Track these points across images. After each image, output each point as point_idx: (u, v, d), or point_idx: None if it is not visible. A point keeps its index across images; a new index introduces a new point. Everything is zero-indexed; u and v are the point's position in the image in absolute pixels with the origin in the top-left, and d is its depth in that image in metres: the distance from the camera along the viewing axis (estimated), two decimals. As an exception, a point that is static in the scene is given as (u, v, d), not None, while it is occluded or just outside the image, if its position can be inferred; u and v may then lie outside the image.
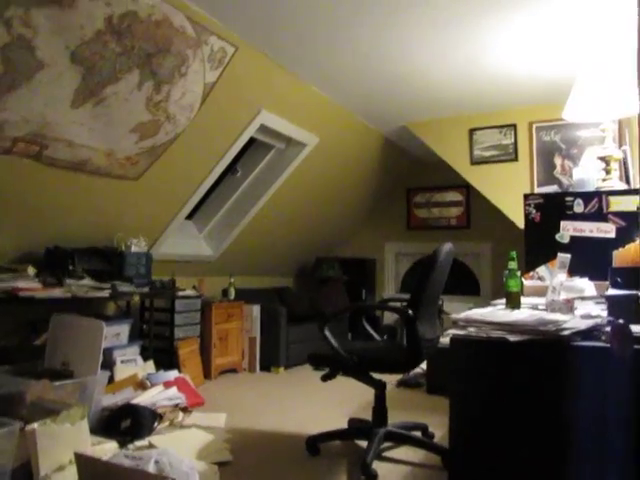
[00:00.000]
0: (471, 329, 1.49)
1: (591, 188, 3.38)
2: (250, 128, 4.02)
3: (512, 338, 1.38)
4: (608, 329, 1.34)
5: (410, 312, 2.36)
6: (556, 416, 1.41)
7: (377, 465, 2.52)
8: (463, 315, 1.58)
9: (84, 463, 1.76)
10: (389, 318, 6.02)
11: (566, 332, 1.36)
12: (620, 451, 1.36)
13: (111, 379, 3.32)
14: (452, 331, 1.51)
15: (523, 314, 1.65)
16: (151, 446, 2.57)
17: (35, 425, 2.28)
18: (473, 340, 1.46)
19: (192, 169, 3.97)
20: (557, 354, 1.38)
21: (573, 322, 1.48)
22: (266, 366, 4.87)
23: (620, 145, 3.76)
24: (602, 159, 3.36)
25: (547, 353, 1.39)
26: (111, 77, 2.92)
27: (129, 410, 2.91)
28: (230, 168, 4.70)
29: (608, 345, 1.32)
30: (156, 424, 2.95)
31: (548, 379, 1.40)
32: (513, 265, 2.29)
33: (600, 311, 1.90)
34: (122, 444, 2.65)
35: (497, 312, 1.74)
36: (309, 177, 5.11)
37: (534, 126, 4.59)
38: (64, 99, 2.85)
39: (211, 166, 4.08)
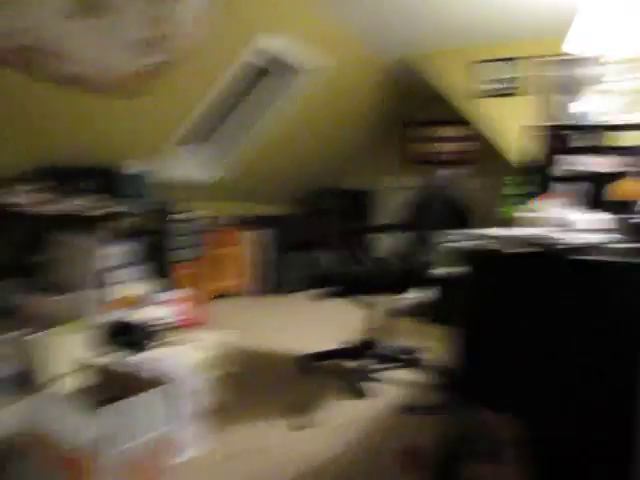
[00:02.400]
0: (466, 242, 1.51)
1: (589, 122, 3.37)
2: (245, 52, 3.92)
3: (507, 250, 1.41)
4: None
5: (407, 232, 2.39)
6: (547, 332, 1.45)
7: (368, 385, 2.61)
8: (459, 231, 1.60)
9: (83, 369, 1.81)
10: (379, 251, 6.07)
11: (562, 246, 1.39)
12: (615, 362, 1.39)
13: (111, 298, 3.36)
14: (449, 244, 1.53)
15: (521, 232, 1.68)
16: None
17: (34, 335, 2.34)
18: (470, 251, 1.49)
19: (191, 90, 3.89)
20: (550, 267, 1.41)
21: (570, 238, 1.50)
22: (264, 291, 4.98)
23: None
24: (602, 93, 3.33)
25: (542, 265, 1.42)
26: (105, -13, 2.81)
27: (125, 326, 2.96)
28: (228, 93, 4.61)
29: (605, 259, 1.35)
30: (151, 341, 3.01)
31: (542, 293, 1.44)
32: (507, 191, 2.31)
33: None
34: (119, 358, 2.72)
35: (494, 229, 1.76)
36: (307, 103, 5.01)
37: (536, 60, 4.50)
38: (58, 9, 2.74)
39: (206, 87, 4.00)
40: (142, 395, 1.60)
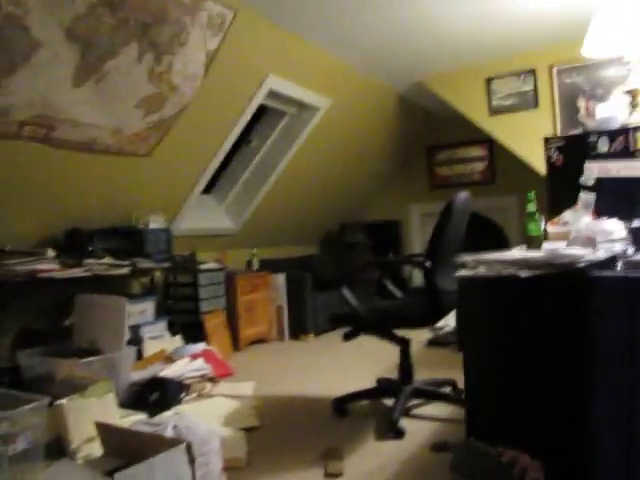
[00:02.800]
0: (481, 269, 1.42)
1: (617, 125, 3.23)
2: (259, 94, 3.95)
3: (524, 274, 1.31)
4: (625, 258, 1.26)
5: (427, 263, 2.29)
6: (573, 353, 1.34)
7: (405, 422, 2.49)
8: (473, 256, 1.51)
9: (104, 431, 1.77)
10: (418, 280, 5.95)
11: (581, 264, 1.28)
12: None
13: (140, 355, 3.35)
14: (461, 273, 1.44)
15: (539, 252, 1.58)
16: (176, 415, 2.58)
17: (64, 400, 2.33)
18: (481, 279, 1.40)
19: (204, 141, 3.93)
20: (572, 287, 1.30)
21: (591, 255, 1.40)
22: (295, 334, 4.88)
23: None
24: (628, 93, 3.20)
25: (562, 287, 1.31)
26: (109, 52, 2.87)
27: (157, 383, 2.93)
28: (244, 138, 4.65)
29: (623, 274, 1.24)
30: (183, 395, 2.97)
31: (562, 315, 1.33)
32: (532, 208, 2.19)
33: (624, 246, 1.80)
34: (151, 416, 2.68)
35: (512, 253, 1.66)
36: (325, 141, 5.02)
37: (555, 69, 4.39)
38: (65, 78, 2.82)
39: (223, 137, 4.04)
40: (162, 455, 1.54)
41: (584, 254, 1.35)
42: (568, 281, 1.31)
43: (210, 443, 1.75)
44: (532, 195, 2.22)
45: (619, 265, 1.29)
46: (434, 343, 4.26)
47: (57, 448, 2.27)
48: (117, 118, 3.23)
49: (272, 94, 4.13)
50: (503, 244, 5.99)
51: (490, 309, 1.42)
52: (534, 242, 2.13)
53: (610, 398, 1.31)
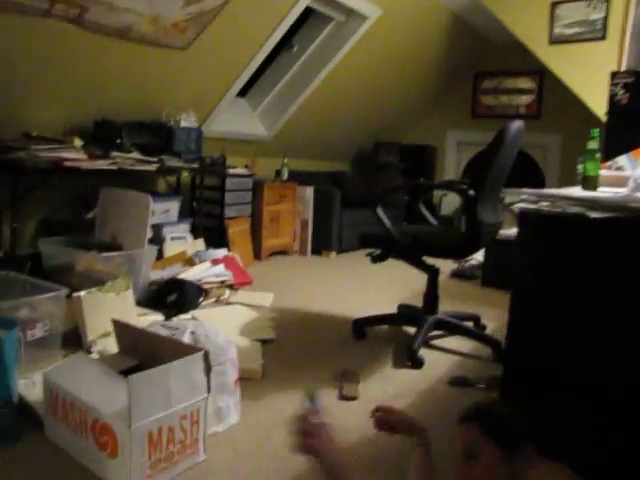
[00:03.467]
0: (544, 204, 1.28)
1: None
2: (305, -5, 3.68)
3: (594, 214, 1.17)
4: None
5: (471, 192, 2.15)
6: (637, 313, 1.21)
7: (424, 352, 2.43)
8: (534, 190, 1.37)
9: (121, 329, 1.73)
10: (447, 208, 5.80)
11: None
12: None
13: (161, 255, 3.32)
14: (520, 205, 1.30)
15: (606, 192, 1.43)
16: (194, 319, 2.56)
17: (82, 293, 2.30)
18: (546, 215, 1.26)
19: (244, 40, 3.71)
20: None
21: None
22: (318, 250, 4.81)
23: None
24: None
25: (636, 234, 1.17)
26: None
27: (175, 284, 2.90)
28: (285, 42, 4.40)
29: None
30: (202, 299, 2.94)
31: (633, 266, 1.19)
32: (593, 145, 2.01)
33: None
34: (167, 317, 2.67)
35: (575, 190, 1.51)
36: (369, 54, 4.74)
37: (630, -3, 4.00)
38: (102, -49, 2.61)
39: (264, 38, 3.80)
40: (179, 361, 1.49)
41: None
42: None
43: (227, 353, 1.70)
44: (596, 132, 2.03)
45: None
46: (458, 275, 4.18)
47: (74, 339, 2.27)
48: (155, 5, 3.02)
49: (320, -4, 3.85)
50: (540, 185, 5.78)
51: (552, 249, 1.29)
52: (590, 182, 1.97)
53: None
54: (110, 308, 2.31)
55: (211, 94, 3.95)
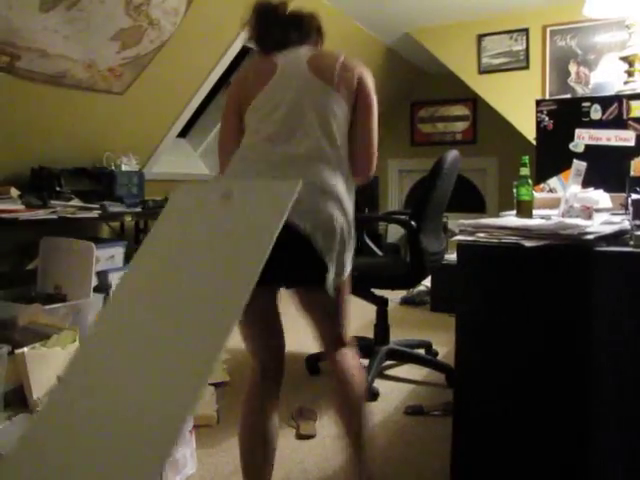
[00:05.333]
0: (480, 235, 1.33)
1: (610, 92, 3.14)
2: (242, 35, 3.73)
3: (528, 243, 1.23)
4: (637, 232, 1.18)
5: (413, 223, 2.21)
6: (573, 331, 1.28)
7: (379, 383, 2.46)
8: (472, 221, 1.42)
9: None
10: (393, 236, 5.90)
11: (590, 236, 1.21)
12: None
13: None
14: (459, 237, 1.36)
15: (539, 221, 1.50)
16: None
17: (25, 349, 2.21)
18: (483, 246, 1.31)
19: (181, 82, 3.72)
20: (579, 261, 1.23)
21: (596, 227, 1.32)
22: (268, 286, 4.78)
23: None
24: (625, 59, 3.10)
25: (567, 259, 1.24)
26: (83, -25, 2.64)
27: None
28: (224, 81, 4.43)
29: (637, 250, 1.16)
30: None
31: (566, 290, 1.26)
32: (525, 171, 2.10)
33: (620, 220, 1.75)
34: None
35: (510, 219, 1.58)
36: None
37: (548, 30, 4.26)
38: (30, 1, 2.58)
39: (202, 78, 3.83)
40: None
41: (590, 225, 1.27)
42: (575, 253, 1.23)
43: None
44: (526, 159, 2.13)
45: (631, 239, 1.21)
46: (407, 301, 4.24)
47: (17, 399, 2.18)
48: (90, 51, 3.00)
49: (256, 36, 3.91)
50: (480, 206, 5.97)
51: (489, 277, 1.34)
52: (524, 207, 2.06)
53: (599, 382, 1.26)
54: (56, 363, 2.23)
55: (151, 136, 3.93)
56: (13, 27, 2.61)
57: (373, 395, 2.34)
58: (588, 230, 1.24)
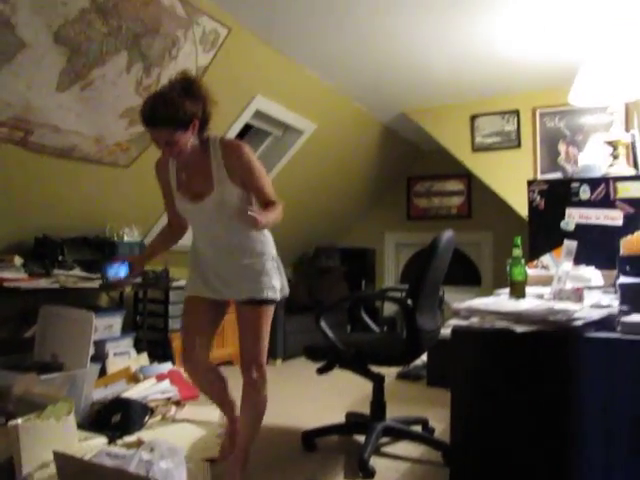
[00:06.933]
0: (474, 319, 1.38)
1: (598, 174, 3.26)
2: (246, 114, 3.91)
3: (519, 329, 1.28)
4: (623, 319, 1.23)
5: (409, 302, 2.25)
6: (564, 412, 1.30)
7: (375, 461, 2.42)
8: (466, 304, 1.47)
9: (63, 462, 1.67)
10: (389, 309, 5.91)
11: (578, 322, 1.26)
12: (630, 451, 1.26)
13: (103, 372, 3.23)
14: (454, 321, 1.40)
15: (530, 303, 1.55)
16: (139, 442, 2.46)
17: (18, 421, 2.19)
18: (476, 331, 1.36)
19: (186, 156, 3.85)
20: (568, 346, 1.27)
21: (585, 312, 1.37)
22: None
23: (628, 129, 3.64)
24: (609, 144, 3.25)
25: (556, 345, 1.28)
26: (98, 59, 2.80)
27: (119, 404, 2.81)
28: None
29: (624, 337, 1.21)
30: (147, 418, 2.85)
31: (556, 373, 1.29)
32: (517, 252, 2.17)
33: (610, 300, 1.80)
34: (111, 439, 2.56)
35: (502, 301, 1.63)
36: (307, 165, 4.99)
37: (538, 112, 4.45)
38: (48, 82, 2.73)
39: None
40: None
41: (578, 311, 1.32)
42: (563, 339, 1.28)
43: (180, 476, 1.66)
44: (518, 240, 2.20)
45: (617, 325, 1.26)
46: (404, 376, 4.22)
47: (8, 472, 2.14)
48: (100, 127, 3.14)
49: (258, 114, 4.08)
50: (475, 279, 6.04)
51: (483, 360, 1.38)
52: (518, 287, 2.12)
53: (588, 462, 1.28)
54: (50, 436, 2.20)
55: (153, 208, 4.02)
56: (30, 105, 2.75)
57: (370, 474, 2.30)
58: (577, 316, 1.29)
